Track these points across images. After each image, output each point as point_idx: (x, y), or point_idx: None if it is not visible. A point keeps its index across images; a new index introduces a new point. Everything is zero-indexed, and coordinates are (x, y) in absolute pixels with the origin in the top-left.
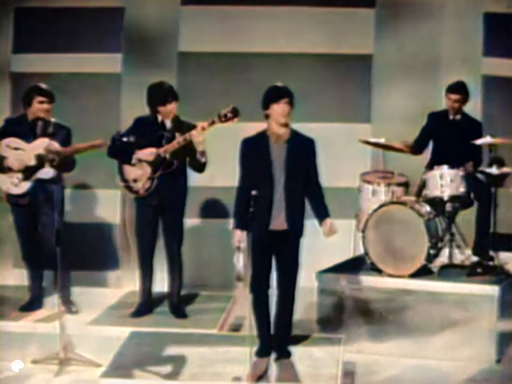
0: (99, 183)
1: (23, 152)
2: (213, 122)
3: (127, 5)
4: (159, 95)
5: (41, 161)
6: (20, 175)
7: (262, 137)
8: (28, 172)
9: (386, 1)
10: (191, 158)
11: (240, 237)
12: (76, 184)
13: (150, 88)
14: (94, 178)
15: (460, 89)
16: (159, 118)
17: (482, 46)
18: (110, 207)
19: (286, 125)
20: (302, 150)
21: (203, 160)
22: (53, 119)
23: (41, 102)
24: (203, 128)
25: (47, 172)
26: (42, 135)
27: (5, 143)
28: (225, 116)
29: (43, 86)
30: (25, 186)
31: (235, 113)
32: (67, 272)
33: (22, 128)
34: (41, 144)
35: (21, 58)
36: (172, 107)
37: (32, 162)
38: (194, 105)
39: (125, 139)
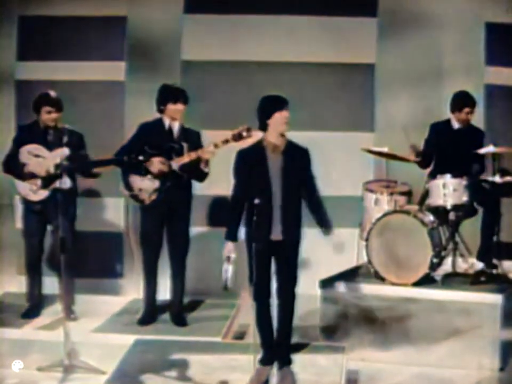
0: (104, 191)
1: (43, 160)
2: (226, 141)
3: (130, 14)
4: (172, 92)
5: (60, 171)
6: (38, 182)
7: (258, 148)
8: (46, 180)
9: (388, 10)
10: (195, 168)
11: (231, 249)
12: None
13: (162, 87)
14: (98, 186)
15: (471, 100)
16: (166, 122)
17: (484, 55)
18: (113, 215)
19: (284, 134)
20: (297, 160)
21: (206, 170)
22: (66, 126)
23: (49, 112)
24: (216, 146)
25: (65, 182)
26: (55, 142)
27: (27, 149)
28: (239, 135)
29: (52, 94)
30: (43, 194)
31: (249, 132)
32: (71, 280)
33: (35, 135)
34: (61, 154)
35: (25, 66)
36: (181, 108)
37: (51, 171)
38: (197, 113)
39: (139, 157)
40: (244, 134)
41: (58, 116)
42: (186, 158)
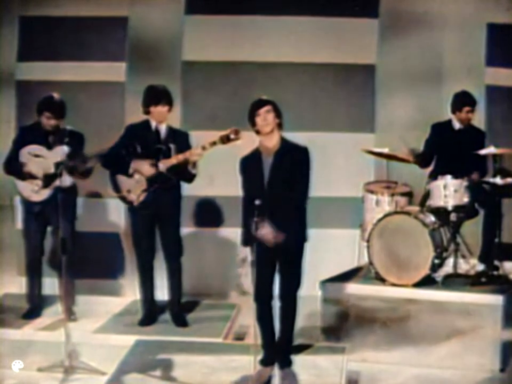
0: (105, 192)
1: (43, 159)
2: (214, 143)
3: (131, 14)
4: (153, 95)
5: (60, 169)
6: (39, 182)
7: (256, 153)
8: (47, 179)
9: (389, 11)
10: (182, 169)
11: (245, 253)
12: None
13: (146, 88)
14: (99, 186)
15: (471, 99)
16: (153, 123)
17: (485, 56)
18: (114, 215)
19: (271, 133)
20: (290, 160)
21: (194, 171)
22: (67, 126)
23: (49, 118)
24: (204, 148)
25: (65, 180)
26: (56, 143)
27: (27, 150)
28: (227, 137)
29: (55, 99)
30: (45, 193)
31: (237, 135)
32: (72, 281)
33: (36, 136)
34: (61, 152)
35: (25, 66)
36: (163, 109)
37: (52, 170)
38: (198, 114)
39: (124, 151)
40: (232, 136)
41: (58, 122)
42: (173, 160)
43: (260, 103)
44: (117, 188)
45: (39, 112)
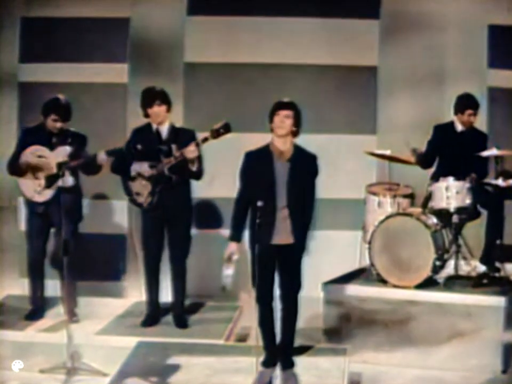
0: (110, 194)
1: (45, 160)
2: (206, 139)
3: (133, 15)
4: (147, 97)
5: (62, 169)
6: (42, 183)
7: (265, 153)
8: (49, 180)
9: (391, 12)
10: (184, 167)
11: (233, 249)
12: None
13: (142, 91)
14: (105, 188)
15: (474, 102)
16: (154, 125)
17: (487, 58)
18: (118, 217)
19: (284, 137)
20: (304, 168)
21: (194, 168)
22: (70, 128)
23: (55, 120)
24: (197, 145)
25: (67, 180)
26: (59, 144)
27: (30, 151)
28: (217, 131)
29: (62, 101)
30: (48, 194)
31: (227, 128)
32: (74, 282)
33: (40, 137)
34: (63, 152)
35: (27, 67)
36: (159, 110)
37: (54, 170)
38: (200, 115)
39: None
40: (221, 130)
41: (63, 125)
42: (172, 160)
43: (281, 105)
44: (128, 191)
45: (44, 114)
